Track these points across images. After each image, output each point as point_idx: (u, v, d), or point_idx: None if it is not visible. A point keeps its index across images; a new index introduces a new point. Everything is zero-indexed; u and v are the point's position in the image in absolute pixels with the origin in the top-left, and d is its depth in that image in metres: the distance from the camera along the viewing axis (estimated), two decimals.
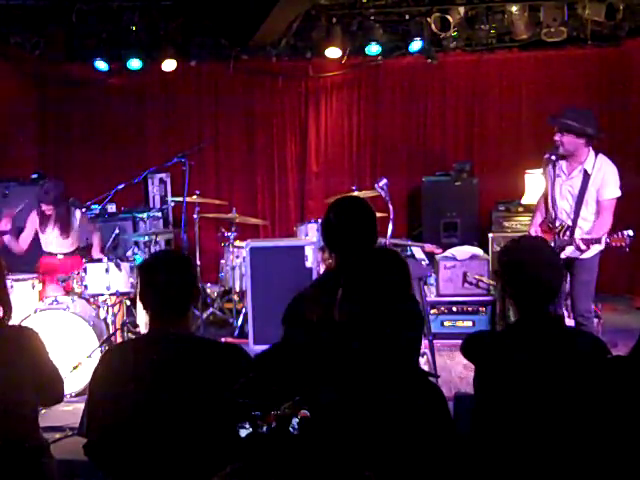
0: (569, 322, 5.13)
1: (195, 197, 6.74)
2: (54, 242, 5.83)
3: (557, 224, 4.62)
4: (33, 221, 5.80)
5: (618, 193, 4.53)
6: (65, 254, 5.86)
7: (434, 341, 5.16)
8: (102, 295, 5.34)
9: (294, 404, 2.08)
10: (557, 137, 4.56)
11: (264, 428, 2.06)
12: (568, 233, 4.54)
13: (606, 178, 4.50)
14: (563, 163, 4.64)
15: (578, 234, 4.52)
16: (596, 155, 4.55)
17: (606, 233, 4.37)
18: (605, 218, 4.50)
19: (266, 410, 2.08)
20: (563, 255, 4.47)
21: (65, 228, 5.78)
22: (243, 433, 2.07)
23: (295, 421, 2.04)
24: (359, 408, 2.06)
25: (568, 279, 4.71)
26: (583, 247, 4.41)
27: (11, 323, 2.74)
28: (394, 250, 2.56)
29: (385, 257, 2.35)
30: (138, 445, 2.25)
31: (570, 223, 4.57)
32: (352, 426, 2.04)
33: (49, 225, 5.77)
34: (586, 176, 4.53)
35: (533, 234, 4.69)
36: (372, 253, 2.45)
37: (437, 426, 2.12)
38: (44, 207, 5.63)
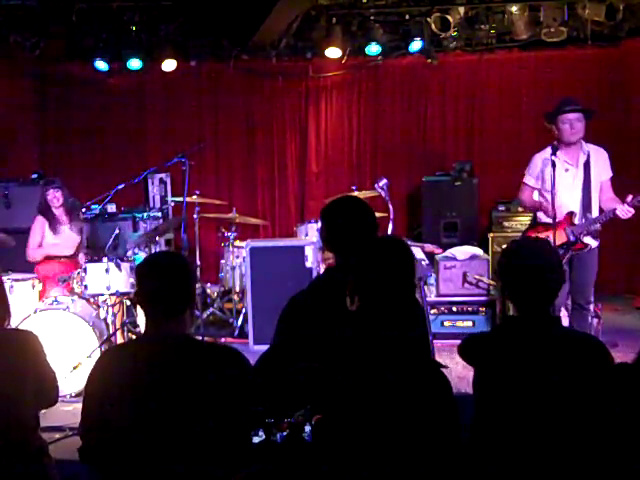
0: (567, 323, 5.14)
1: (195, 197, 6.74)
2: (60, 244, 5.82)
3: (564, 216, 4.72)
4: (41, 226, 5.77)
5: (611, 172, 4.82)
6: (66, 257, 5.85)
7: (434, 341, 5.15)
8: (102, 295, 5.33)
9: (307, 412, 2.06)
10: (580, 124, 4.65)
11: (277, 436, 2.04)
12: (583, 219, 4.73)
13: (604, 160, 4.76)
14: (565, 157, 4.70)
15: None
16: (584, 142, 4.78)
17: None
18: (612, 195, 4.74)
19: (280, 418, 2.06)
20: (587, 240, 4.71)
21: (76, 225, 5.85)
22: (256, 440, 2.05)
23: (308, 429, 2.02)
24: (372, 403, 2.03)
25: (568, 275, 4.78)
26: (597, 226, 4.66)
27: (10, 326, 2.74)
28: (399, 239, 2.50)
29: (391, 246, 2.33)
30: (137, 449, 2.22)
31: (581, 209, 4.72)
32: (365, 424, 2.01)
33: (60, 225, 5.77)
34: (587, 162, 4.69)
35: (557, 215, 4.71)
36: (378, 243, 2.43)
37: (444, 425, 2.09)
38: (54, 195, 5.68)
